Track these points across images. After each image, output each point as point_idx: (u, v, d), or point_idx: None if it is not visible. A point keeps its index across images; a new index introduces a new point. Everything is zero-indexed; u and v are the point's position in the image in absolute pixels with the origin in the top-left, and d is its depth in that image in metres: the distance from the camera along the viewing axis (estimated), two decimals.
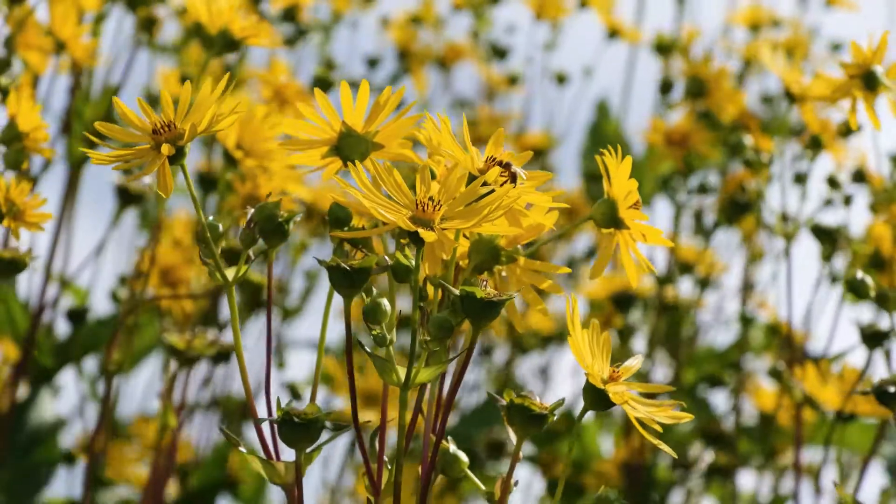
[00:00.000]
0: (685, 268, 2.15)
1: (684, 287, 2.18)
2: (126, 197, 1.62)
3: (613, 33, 2.38)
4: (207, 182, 1.60)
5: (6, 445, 1.66)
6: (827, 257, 1.62)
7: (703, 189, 2.07)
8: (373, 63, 2.38)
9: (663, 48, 2.23)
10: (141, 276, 1.52)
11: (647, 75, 2.37)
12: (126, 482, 1.91)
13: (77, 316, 1.89)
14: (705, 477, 2.03)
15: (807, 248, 2.33)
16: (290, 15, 2.02)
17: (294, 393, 1.90)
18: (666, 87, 2.18)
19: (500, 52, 2.52)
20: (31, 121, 1.19)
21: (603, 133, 2.38)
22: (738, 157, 1.53)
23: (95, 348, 1.84)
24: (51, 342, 1.84)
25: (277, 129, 1.33)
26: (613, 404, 0.82)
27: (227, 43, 1.34)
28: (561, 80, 2.48)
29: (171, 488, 1.85)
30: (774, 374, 1.76)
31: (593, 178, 2.32)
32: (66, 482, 1.89)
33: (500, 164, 0.87)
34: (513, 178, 0.86)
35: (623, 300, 2.12)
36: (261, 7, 1.83)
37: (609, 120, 2.40)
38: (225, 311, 1.74)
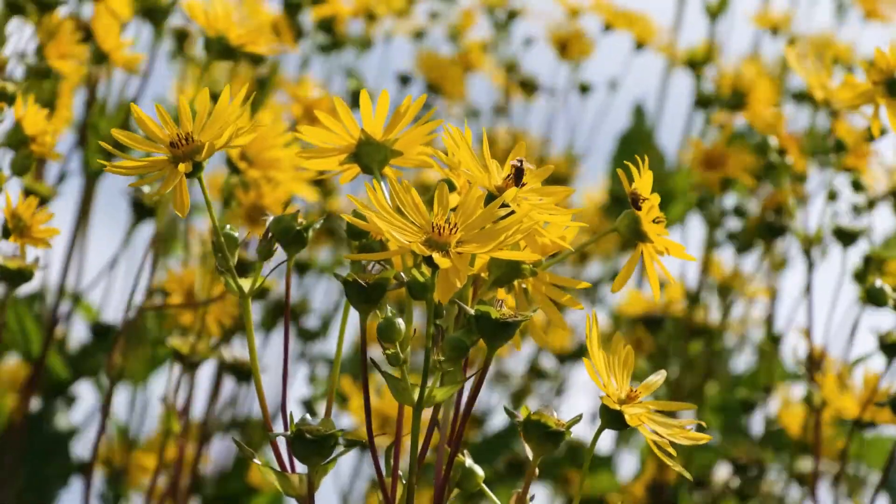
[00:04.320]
0: (718, 290, 2.12)
1: (715, 309, 2.14)
2: (141, 211, 1.60)
3: (640, 45, 2.33)
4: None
5: (19, 457, 1.66)
6: (860, 277, 1.59)
7: (738, 212, 2.04)
8: (405, 80, 2.34)
9: (696, 63, 2.20)
10: (165, 294, 1.50)
11: (680, 91, 2.32)
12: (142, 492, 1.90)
13: (101, 331, 1.88)
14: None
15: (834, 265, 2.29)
16: (326, 26, 2.01)
17: (310, 409, 1.89)
18: (703, 101, 2.15)
19: (528, 86, 2.45)
20: (37, 124, 1.17)
21: (636, 141, 2.31)
22: (762, 157, 1.50)
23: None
24: (65, 355, 1.83)
25: (286, 137, 1.32)
26: (629, 425, 0.80)
27: (223, 49, 1.32)
28: (584, 89, 2.41)
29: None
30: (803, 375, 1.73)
31: (617, 198, 2.27)
32: (79, 494, 1.88)
33: (512, 166, 0.85)
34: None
35: (653, 321, 2.10)
36: (300, 17, 1.82)
37: (644, 127, 2.33)
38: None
